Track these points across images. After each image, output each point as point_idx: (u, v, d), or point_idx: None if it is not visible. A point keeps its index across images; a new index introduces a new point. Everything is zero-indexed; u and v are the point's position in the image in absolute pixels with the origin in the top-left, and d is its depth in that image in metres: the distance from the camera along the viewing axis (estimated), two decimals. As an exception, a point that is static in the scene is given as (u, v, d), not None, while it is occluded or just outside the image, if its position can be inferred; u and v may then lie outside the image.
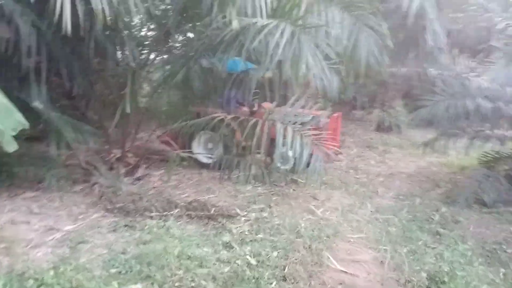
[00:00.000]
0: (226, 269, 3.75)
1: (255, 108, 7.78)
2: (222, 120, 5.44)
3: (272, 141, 6.19)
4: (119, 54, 5.54)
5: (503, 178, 6.47)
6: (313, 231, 4.67)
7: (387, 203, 6.37)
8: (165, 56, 6.03)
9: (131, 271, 3.56)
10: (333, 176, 7.17)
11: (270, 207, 5.49)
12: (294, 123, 5.56)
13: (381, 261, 4.09)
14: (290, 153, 6.77)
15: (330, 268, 3.86)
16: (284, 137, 5.41)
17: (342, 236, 4.62)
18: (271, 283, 3.56)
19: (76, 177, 5.63)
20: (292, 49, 4.42)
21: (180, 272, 3.60)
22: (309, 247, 4.22)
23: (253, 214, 5.14)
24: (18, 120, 3.12)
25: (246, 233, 4.60)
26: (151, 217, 4.73)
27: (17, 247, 3.82)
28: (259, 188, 6.37)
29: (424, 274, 3.86)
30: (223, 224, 4.78)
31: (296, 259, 3.94)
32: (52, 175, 5.20)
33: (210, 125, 5.48)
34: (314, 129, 6.99)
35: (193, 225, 4.72)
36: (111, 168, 5.97)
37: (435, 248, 4.60)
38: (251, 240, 4.39)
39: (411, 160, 9.22)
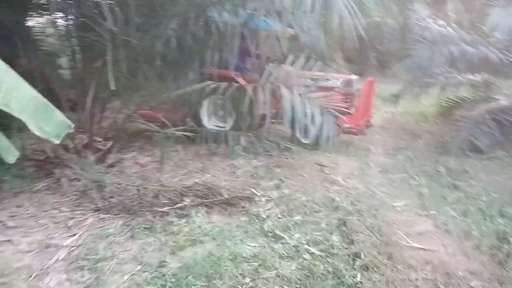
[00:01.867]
0: (293, 266, 3.04)
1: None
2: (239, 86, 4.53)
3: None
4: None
5: (491, 122, 6.51)
6: (352, 204, 4.12)
7: (387, 161, 6.07)
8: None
9: (188, 290, 2.70)
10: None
11: (282, 181, 4.81)
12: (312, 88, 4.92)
13: (445, 229, 3.70)
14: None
15: (405, 246, 3.34)
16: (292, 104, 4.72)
17: (387, 206, 4.14)
18: (355, 276, 2.95)
19: (43, 173, 4.36)
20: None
21: (247, 279, 2.83)
22: (366, 225, 3.66)
23: (273, 193, 4.42)
24: (61, 121, 2.33)
25: (280, 216, 3.89)
26: (165, 213, 3.78)
27: (17, 280, 2.67)
28: (254, 160, 5.64)
29: (494, 237, 3.55)
30: (247, 210, 4.01)
31: (363, 242, 3.36)
32: (13, 176, 3.92)
33: (221, 90, 4.55)
34: (345, 95, 6.48)
35: (216, 215, 3.87)
36: (79, 157, 4.78)
37: (471, 204, 4.36)
38: (293, 225, 3.70)
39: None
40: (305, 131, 5.70)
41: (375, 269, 3.03)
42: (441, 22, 7.90)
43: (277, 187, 4.63)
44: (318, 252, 3.24)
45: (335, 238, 3.44)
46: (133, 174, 4.91)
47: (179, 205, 3.96)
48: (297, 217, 3.86)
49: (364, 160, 5.84)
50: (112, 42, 3.84)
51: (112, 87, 3.73)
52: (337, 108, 5.03)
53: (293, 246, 3.33)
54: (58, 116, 2.47)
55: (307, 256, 3.18)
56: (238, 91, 5.00)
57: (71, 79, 4.89)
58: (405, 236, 3.47)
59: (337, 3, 3.69)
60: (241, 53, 6.73)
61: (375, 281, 2.92)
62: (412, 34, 7.95)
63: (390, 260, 3.14)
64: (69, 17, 4.46)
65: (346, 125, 6.53)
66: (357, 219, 3.75)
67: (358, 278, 2.94)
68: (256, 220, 3.80)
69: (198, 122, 6.55)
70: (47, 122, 2.33)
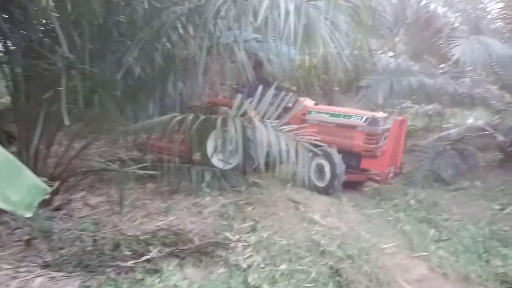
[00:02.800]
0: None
1: (290, 104, 6.16)
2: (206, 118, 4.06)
3: None
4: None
5: (452, 151, 6.59)
6: (340, 248, 3.78)
7: (355, 195, 5.88)
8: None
9: None
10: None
11: (257, 222, 4.37)
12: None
13: (442, 273, 3.45)
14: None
15: (409, 296, 3.05)
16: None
17: (376, 249, 3.84)
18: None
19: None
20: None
21: None
22: (361, 272, 3.32)
23: (250, 237, 3.98)
24: (34, 185, 1.87)
25: (263, 265, 3.45)
26: (130, 268, 3.18)
27: None
28: (221, 197, 5.16)
29: (494, 280, 3.37)
30: (225, 259, 3.52)
31: (364, 294, 3.01)
32: None
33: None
34: (369, 134, 5.76)
35: (191, 268, 3.33)
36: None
37: (457, 242, 4.21)
38: (280, 276, 3.27)
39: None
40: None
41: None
42: (391, 54, 8.08)
43: (253, 229, 4.18)
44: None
45: (331, 289, 3.06)
46: (84, 218, 4.25)
47: (146, 257, 3.38)
48: (283, 266, 3.44)
49: (335, 195, 5.59)
50: (67, 71, 3.27)
51: (66, 122, 3.15)
52: (312, 141, 4.72)
53: (287, 303, 2.91)
54: (30, 178, 1.92)
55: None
56: (205, 123, 4.54)
57: (12, 111, 4.18)
58: (406, 285, 3.17)
59: (320, 33, 3.43)
60: (257, 82, 6.04)
61: None
62: (367, 64, 8.04)
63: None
64: (11, 41, 3.81)
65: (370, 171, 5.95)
66: (350, 266, 3.40)
67: None
68: (237, 271, 3.32)
69: (204, 156, 5.95)
70: (15, 189, 1.82)
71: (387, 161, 5.66)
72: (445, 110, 8.22)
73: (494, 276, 3.42)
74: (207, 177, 5.30)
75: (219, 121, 4.54)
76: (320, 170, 5.70)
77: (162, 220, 4.34)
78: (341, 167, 5.54)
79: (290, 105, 5.88)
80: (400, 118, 6.01)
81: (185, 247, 3.66)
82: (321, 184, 5.66)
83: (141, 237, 3.78)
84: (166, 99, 4.55)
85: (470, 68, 6.71)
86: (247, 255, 3.60)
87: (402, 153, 6.05)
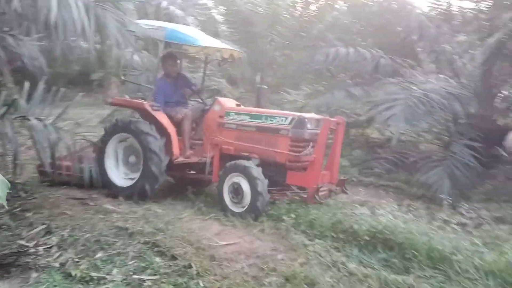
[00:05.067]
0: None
1: (208, 106, 5.44)
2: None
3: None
4: None
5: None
6: (147, 225, 4.06)
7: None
8: None
9: None
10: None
11: (48, 225, 4.11)
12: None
13: (233, 225, 4.31)
14: None
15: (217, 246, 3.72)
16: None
17: (177, 219, 4.32)
18: (197, 284, 3.08)
19: None
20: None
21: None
22: (174, 238, 3.76)
23: (50, 239, 3.74)
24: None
25: (78, 259, 3.37)
26: None
27: None
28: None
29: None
30: (32, 264, 3.25)
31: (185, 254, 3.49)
32: None
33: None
34: (295, 140, 4.64)
35: (2, 282, 2.97)
36: None
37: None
38: (102, 262, 3.34)
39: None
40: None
41: (208, 272, 3.27)
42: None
43: (48, 231, 3.93)
44: (151, 278, 3.15)
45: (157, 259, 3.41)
46: None
47: None
48: (99, 254, 3.51)
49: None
50: None
51: None
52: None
53: (121, 281, 3.08)
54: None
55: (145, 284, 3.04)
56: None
57: None
58: (212, 238, 3.85)
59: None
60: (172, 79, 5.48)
61: (213, 281, 3.16)
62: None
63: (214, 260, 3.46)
64: None
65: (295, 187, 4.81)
66: (163, 236, 3.79)
67: (201, 284, 3.11)
68: (53, 271, 3.19)
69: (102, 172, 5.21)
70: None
71: (316, 175, 4.61)
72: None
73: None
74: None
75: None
76: (236, 190, 4.60)
77: None
78: (263, 183, 4.46)
79: (207, 107, 5.40)
80: (331, 119, 4.89)
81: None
82: (238, 209, 4.57)
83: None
84: None
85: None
86: (56, 255, 3.46)
87: (338, 163, 5.07)
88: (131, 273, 3.19)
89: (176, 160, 5.09)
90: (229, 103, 5.40)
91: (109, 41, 3.76)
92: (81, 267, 3.24)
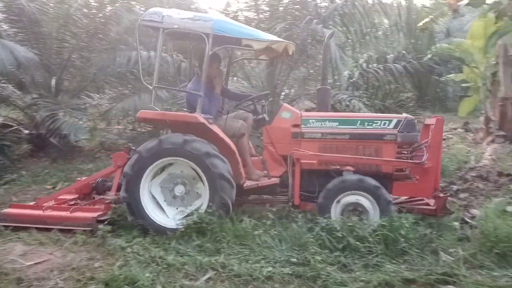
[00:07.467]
0: None
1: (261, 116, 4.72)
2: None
3: None
4: None
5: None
6: None
7: None
8: None
9: None
10: None
11: None
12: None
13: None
14: None
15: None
16: None
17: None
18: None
19: None
20: None
21: None
22: None
23: None
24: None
25: None
26: None
27: None
28: None
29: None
30: None
31: None
32: None
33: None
34: (401, 145, 4.33)
35: None
36: None
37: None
38: None
39: None
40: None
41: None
42: None
43: None
44: None
45: None
46: None
47: None
48: None
49: None
50: None
51: None
52: None
53: None
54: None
55: None
56: None
57: None
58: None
59: None
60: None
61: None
62: None
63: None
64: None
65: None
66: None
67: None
68: None
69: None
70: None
71: (433, 182, 4.43)
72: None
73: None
74: None
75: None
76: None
77: None
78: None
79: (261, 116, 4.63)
80: (433, 118, 4.56)
81: None
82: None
83: None
84: None
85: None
86: None
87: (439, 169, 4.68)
88: None
89: (246, 185, 4.34)
90: (298, 109, 5.00)
91: None
92: None
